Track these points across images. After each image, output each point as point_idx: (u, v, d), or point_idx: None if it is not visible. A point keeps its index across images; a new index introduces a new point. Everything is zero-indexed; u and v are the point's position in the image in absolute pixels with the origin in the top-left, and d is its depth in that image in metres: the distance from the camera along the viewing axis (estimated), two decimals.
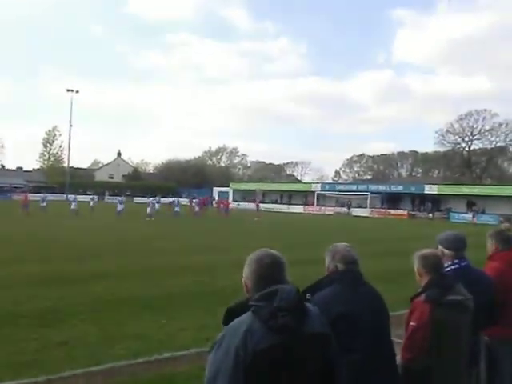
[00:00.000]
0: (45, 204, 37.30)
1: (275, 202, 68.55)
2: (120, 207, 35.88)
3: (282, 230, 29.85)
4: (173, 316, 7.69)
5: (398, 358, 2.95)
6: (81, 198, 47.26)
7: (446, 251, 3.56)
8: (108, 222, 29.62)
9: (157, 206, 39.78)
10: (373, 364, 2.63)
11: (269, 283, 2.04)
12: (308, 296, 2.58)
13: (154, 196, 42.35)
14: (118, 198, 37.15)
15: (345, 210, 58.85)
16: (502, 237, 4.13)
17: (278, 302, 1.94)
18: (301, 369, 1.98)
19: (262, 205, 63.97)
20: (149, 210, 35.11)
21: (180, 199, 46.53)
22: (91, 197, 42.70)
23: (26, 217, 31.23)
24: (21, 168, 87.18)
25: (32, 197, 47.41)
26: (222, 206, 45.04)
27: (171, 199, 48.19)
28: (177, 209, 40.41)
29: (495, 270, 3.95)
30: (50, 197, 51.45)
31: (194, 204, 44.18)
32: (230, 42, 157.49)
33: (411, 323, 2.99)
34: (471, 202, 51.92)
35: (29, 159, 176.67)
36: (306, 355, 1.99)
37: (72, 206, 37.10)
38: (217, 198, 66.16)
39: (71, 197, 39.53)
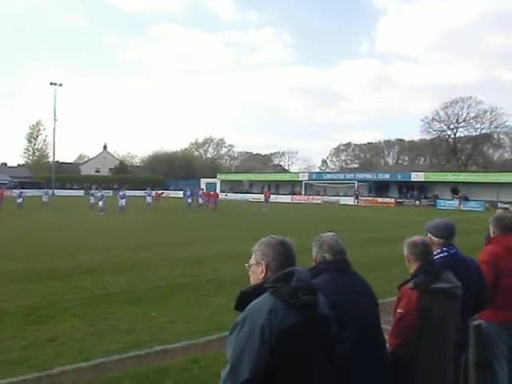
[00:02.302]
0: (21, 200, 36.58)
1: (263, 193, 68.48)
2: (122, 202, 35.05)
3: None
4: (162, 309, 7.66)
5: (388, 345, 2.97)
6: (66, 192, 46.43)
7: (434, 239, 3.56)
8: (107, 218, 29.41)
9: (148, 198, 40.10)
10: (363, 353, 2.63)
11: (290, 265, 2.15)
12: None
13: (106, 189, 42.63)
14: (120, 192, 36.43)
15: (334, 199, 58.99)
16: (501, 223, 4.20)
17: (296, 282, 2.03)
18: (316, 347, 2.10)
19: (252, 195, 64.06)
20: (101, 203, 32.89)
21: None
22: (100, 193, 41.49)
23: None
24: (5, 164, 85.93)
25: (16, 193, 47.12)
26: (209, 198, 44.70)
27: (184, 190, 48.70)
28: (189, 200, 41.51)
29: (490, 253, 4.05)
30: (36, 192, 51.10)
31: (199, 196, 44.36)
32: (215, 33, 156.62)
33: (398, 310, 3.00)
34: (455, 189, 52.29)
35: (13, 155, 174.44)
36: (320, 334, 2.11)
37: (91, 201, 37.04)
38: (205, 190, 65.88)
39: (91, 191, 39.29)
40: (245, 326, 1.98)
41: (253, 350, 1.93)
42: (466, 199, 49.61)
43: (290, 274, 2.07)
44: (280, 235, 2.31)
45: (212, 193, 43.44)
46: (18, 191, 39.43)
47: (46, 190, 42.92)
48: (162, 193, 50.80)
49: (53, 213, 31.81)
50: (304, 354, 2.03)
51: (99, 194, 34.55)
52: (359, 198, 56.73)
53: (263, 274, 2.20)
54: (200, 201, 41.63)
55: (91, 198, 37.32)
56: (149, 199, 40.06)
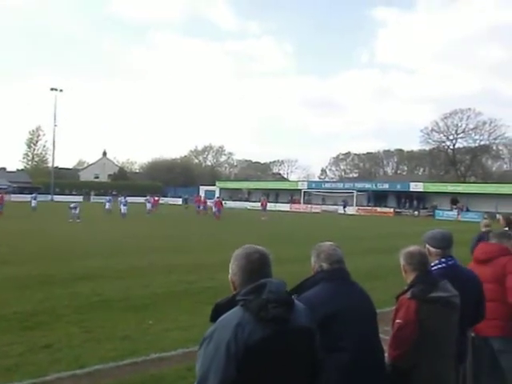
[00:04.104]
0: None
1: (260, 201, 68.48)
2: (124, 209, 34.87)
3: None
4: (159, 317, 7.61)
5: (386, 356, 2.95)
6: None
7: (432, 250, 3.56)
8: (109, 224, 29.34)
9: (148, 205, 40.83)
10: (361, 362, 2.61)
11: (257, 278, 2.06)
12: (294, 297, 2.57)
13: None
14: (122, 199, 36.13)
15: (333, 208, 58.89)
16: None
17: (267, 295, 1.96)
18: (289, 361, 2.00)
19: (251, 203, 63.99)
20: (75, 211, 29.73)
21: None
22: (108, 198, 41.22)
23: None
24: (4, 168, 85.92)
25: (15, 197, 46.97)
26: (216, 205, 44.82)
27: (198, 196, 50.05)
28: (200, 207, 43.87)
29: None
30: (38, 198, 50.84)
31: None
32: (215, 42, 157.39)
33: (397, 320, 2.98)
34: (454, 199, 52.31)
35: (12, 160, 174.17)
36: (293, 348, 2.01)
37: (106, 206, 38.07)
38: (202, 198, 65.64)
39: (106, 198, 40.67)
40: (212, 340, 1.93)
41: (219, 367, 1.87)
42: (467, 210, 49.64)
43: (261, 285, 2.00)
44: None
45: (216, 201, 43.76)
46: None
47: (34, 195, 42.45)
48: (159, 199, 50.82)
49: (42, 219, 31.56)
50: (274, 369, 1.94)
51: (73, 204, 30.91)
52: (347, 207, 56.37)
53: (232, 287, 2.19)
54: (213, 209, 42.03)
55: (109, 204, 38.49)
56: (149, 205, 40.80)
